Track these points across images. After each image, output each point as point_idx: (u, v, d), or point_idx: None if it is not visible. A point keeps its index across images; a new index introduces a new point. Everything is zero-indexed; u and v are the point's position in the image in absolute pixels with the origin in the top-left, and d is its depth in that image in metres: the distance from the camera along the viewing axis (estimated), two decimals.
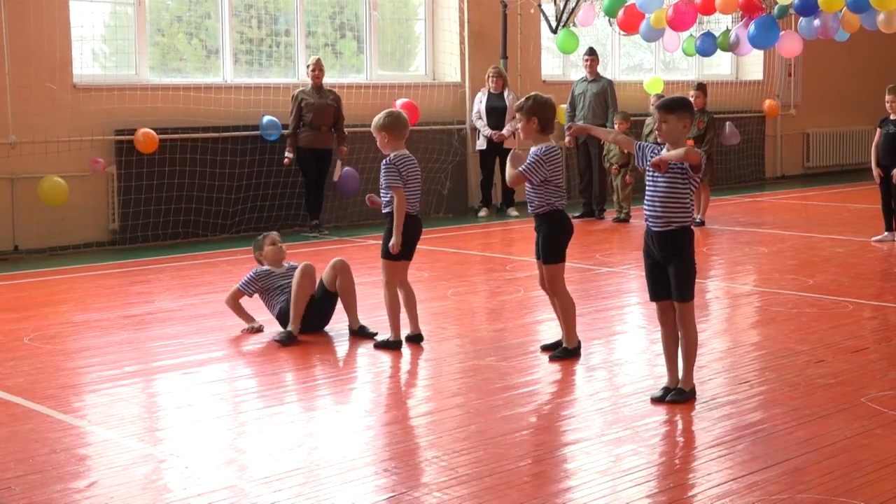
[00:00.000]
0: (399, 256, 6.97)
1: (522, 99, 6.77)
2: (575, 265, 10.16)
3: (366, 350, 7.02)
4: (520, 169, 6.60)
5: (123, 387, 6.16)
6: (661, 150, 5.76)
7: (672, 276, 5.68)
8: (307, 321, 7.30)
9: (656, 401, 5.69)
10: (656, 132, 5.81)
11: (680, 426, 5.31)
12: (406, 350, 6.94)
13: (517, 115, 6.77)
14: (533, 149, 6.68)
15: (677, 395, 5.69)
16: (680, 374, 5.77)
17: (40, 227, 11.21)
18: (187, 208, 12.07)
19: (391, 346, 6.97)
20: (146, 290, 9.28)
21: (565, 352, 6.70)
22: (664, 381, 5.90)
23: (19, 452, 4.98)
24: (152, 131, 11.63)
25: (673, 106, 5.73)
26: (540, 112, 6.69)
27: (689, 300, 5.70)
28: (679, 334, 5.76)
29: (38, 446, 5.07)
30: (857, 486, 4.44)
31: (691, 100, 12.75)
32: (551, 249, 6.81)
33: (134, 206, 11.72)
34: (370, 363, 6.79)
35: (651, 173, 5.70)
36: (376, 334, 7.22)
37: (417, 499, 4.40)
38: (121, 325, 7.78)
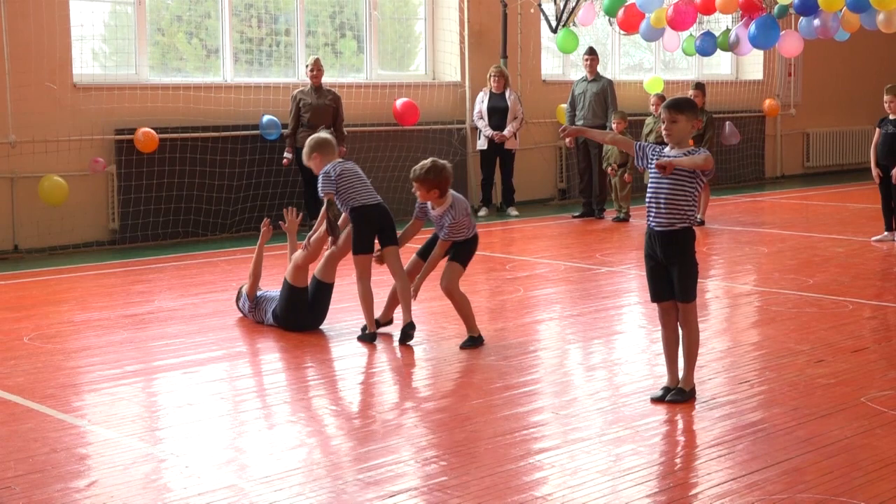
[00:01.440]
0: (361, 251, 7.16)
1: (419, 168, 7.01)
2: (575, 265, 10.18)
3: (365, 349, 7.02)
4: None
5: (124, 386, 6.16)
6: (664, 149, 5.75)
7: (675, 277, 5.67)
8: (301, 319, 7.29)
9: (656, 400, 5.70)
10: (664, 132, 5.76)
11: (680, 426, 5.31)
12: (405, 349, 6.94)
13: (415, 184, 6.98)
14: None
15: (677, 395, 5.69)
16: (681, 374, 5.77)
17: (40, 226, 11.21)
18: (187, 208, 12.08)
19: (366, 338, 7.15)
20: (146, 290, 9.29)
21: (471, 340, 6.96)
22: (664, 380, 5.90)
23: (19, 452, 4.98)
24: (152, 131, 11.63)
25: (683, 106, 5.72)
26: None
27: (692, 300, 5.70)
28: (680, 334, 5.76)
29: (38, 445, 5.08)
30: (856, 486, 4.45)
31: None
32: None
33: (134, 205, 11.72)
34: (369, 362, 6.80)
35: (655, 173, 5.68)
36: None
37: (417, 498, 4.40)
38: (121, 325, 7.79)
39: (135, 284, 9.60)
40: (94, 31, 11.95)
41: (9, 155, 11.02)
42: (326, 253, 7.46)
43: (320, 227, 7.39)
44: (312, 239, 7.42)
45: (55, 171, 11.14)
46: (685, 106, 5.73)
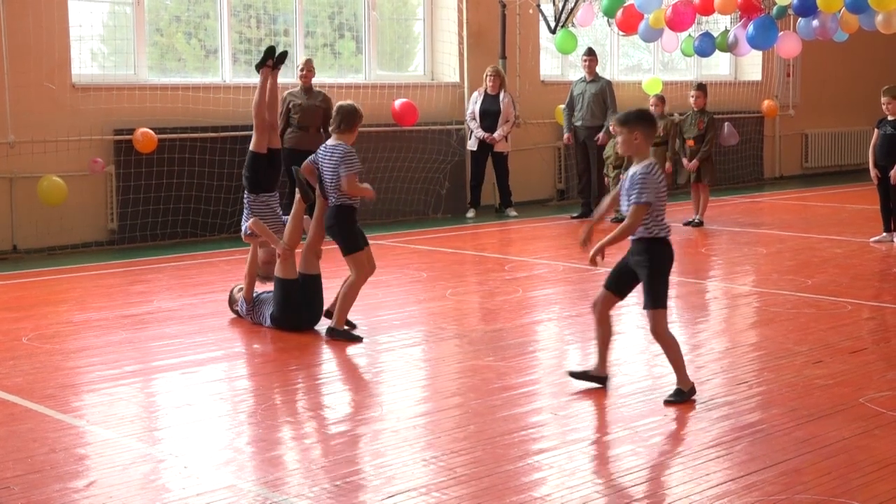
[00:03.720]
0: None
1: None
2: (573, 266, 10.18)
3: (364, 350, 7.03)
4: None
5: (122, 386, 6.17)
6: (626, 182, 5.71)
7: (642, 284, 5.76)
8: (297, 317, 7.28)
9: (574, 375, 6.01)
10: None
11: (678, 426, 5.31)
12: (405, 350, 6.94)
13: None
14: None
15: (676, 396, 5.70)
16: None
17: (39, 226, 11.21)
18: (186, 208, 12.07)
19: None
20: (145, 290, 9.29)
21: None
22: (663, 381, 5.92)
23: (18, 452, 4.99)
24: (151, 131, 11.63)
25: (624, 119, 5.72)
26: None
27: (656, 308, 5.70)
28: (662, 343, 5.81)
29: (36, 446, 5.08)
30: (855, 487, 4.45)
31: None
32: None
33: (133, 205, 11.72)
34: (369, 363, 6.80)
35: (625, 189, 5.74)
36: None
37: (416, 499, 4.41)
38: (120, 325, 7.79)
39: (134, 285, 9.60)
40: (92, 32, 11.94)
41: (8, 155, 11.02)
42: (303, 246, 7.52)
43: (296, 209, 7.39)
44: (288, 226, 7.44)
45: (54, 171, 11.13)
46: (625, 119, 5.71)
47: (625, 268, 5.86)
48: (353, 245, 7.16)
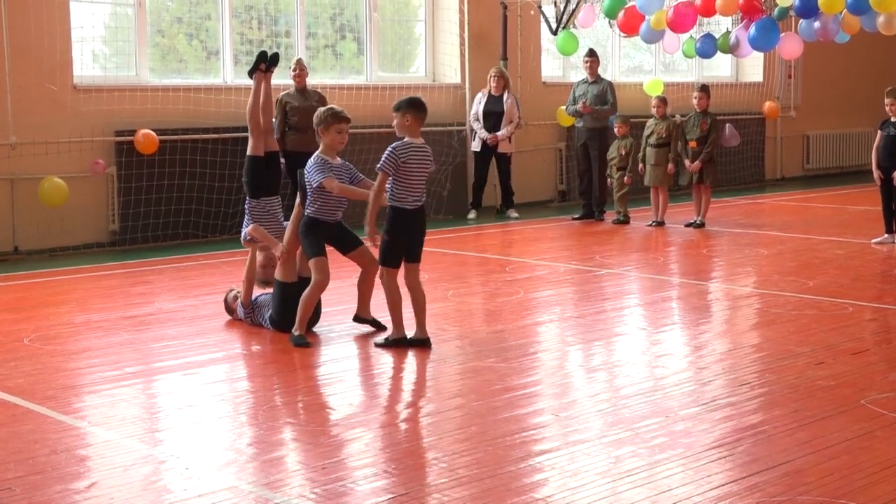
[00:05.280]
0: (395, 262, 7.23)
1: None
2: (575, 266, 10.18)
3: (365, 351, 7.02)
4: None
5: (124, 388, 6.16)
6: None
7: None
8: (294, 320, 7.27)
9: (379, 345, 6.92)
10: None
11: (680, 427, 5.31)
12: (404, 351, 6.94)
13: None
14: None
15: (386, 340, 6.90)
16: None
17: (40, 227, 11.21)
18: (187, 209, 12.07)
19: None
20: (147, 291, 9.29)
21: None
22: (664, 382, 5.94)
23: (20, 453, 4.98)
24: (152, 132, 11.63)
25: (396, 106, 6.99)
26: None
27: (384, 265, 6.94)
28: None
29: (38, 447, 5.07)
30: (857, 488, 4.45)
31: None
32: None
33: (134, 206, 11.72)
34: (370, 364, 6.80)
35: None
36: (385, 328, 7.33)
37: (418, 501, 4.40)
38: (121, 326, 7.79)
39: (135, 286, 9.60)
40: (94, 33, 11.94)
41: (9, 156, 11.01)
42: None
43: (296, 212, 7.38)
44: (288, 229, 7.44)
45: (55, 172, 11.13)
46: (400, 105, 6.97)
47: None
48: (311, 252, 7.15)
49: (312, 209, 7.15)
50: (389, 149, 6.87)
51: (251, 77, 7.99)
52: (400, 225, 6.96)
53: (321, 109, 7.34)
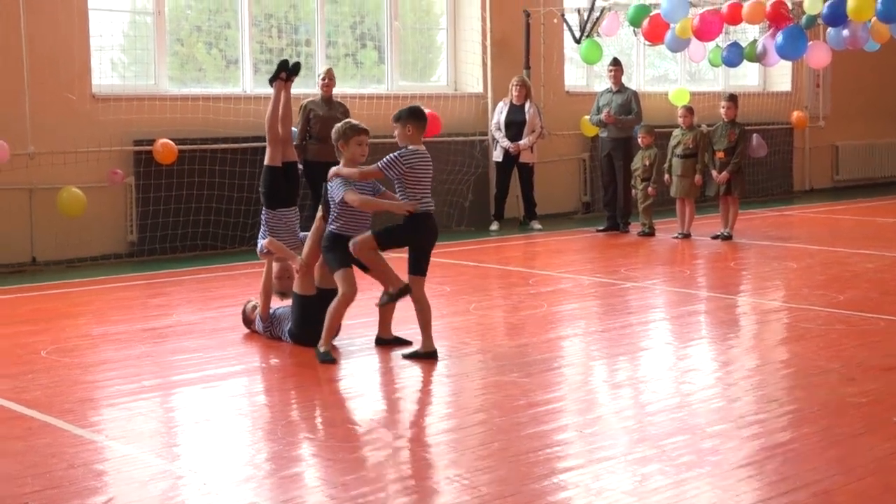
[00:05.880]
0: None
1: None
2: (599, 280, 10.15)
3: (387, 365, 7.02)
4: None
5: (142, 401, 6.17)
6: None
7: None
8: (316, 333, 7.24)
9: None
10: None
11: (707, 445, 5.27)
12: (426, 366, 6.93)
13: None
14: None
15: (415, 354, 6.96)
16: None
17: (58, 238, 11.25)
18: (206, 220, 12.10)
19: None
20: (165, 303, 9.31)
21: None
22: (691, 398, 5.91)
23: (36, 467, 4.99)
24: (171, 142, 11.67)
25: (396, 116, 7.09)
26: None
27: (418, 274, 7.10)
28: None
29: (55, 461, 5.09)
30: None
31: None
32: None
33: (152, 217, 11.76)
34: (391, 379, 6.79)
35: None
36: (410, 343, 7.30)
37: None
38: (139, 339, 7.81)
39: (153, 298, 9.63)
40: (113, 42, 12.00)
41: (27, 166, 11.07)
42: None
43: (317, 225, 7.37)
44: (307, 242, 7.43)
45: (73, 182, 11.17)
46: (400, 115, 7.04)
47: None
48: (336, 264, 7.12)
49: (336, 225, 7.14)
50: (395, 154, 6.94)
51: (271, 85, 8.01)
52: (410, 225, 7.00)
53: (339, 125, 7.33)
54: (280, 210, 7.76)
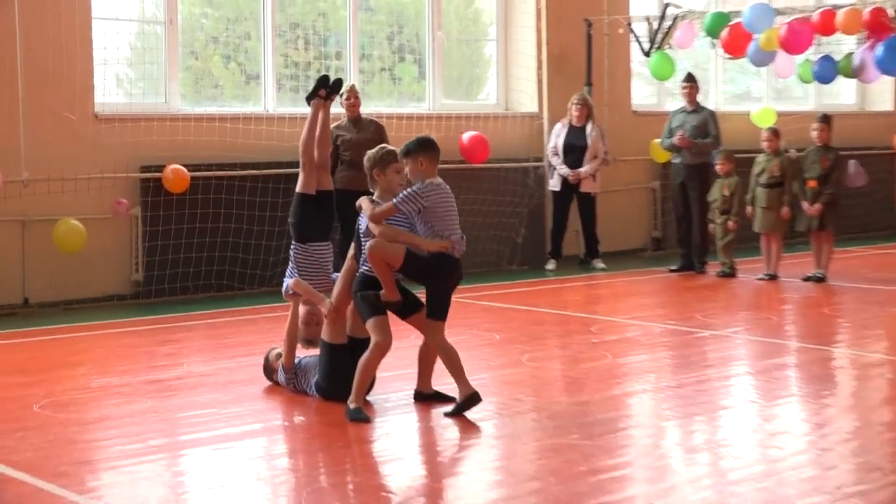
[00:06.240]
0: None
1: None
2: (672, 327, 10.09)
3: (426, 424, 6.99)
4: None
5: (147, 464, 6.18)
6: None
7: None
8: (346, 387, 7.22)
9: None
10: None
11: None
12: (472, 425, 6.89)
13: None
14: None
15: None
16: None
17: (54, 276, 11.34)
18: (222, 257, 12.16)
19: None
20: (174, 352, 9.35)
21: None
22: (779, 465, 5.83)
23: None
24: (183, 168, 11.75)
25: (405, 151, 7.11)
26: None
27: (436, 318, 7.08)
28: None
29: None
30: None
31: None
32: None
33: (161, 253, 11.83)
34: (432, 440, 6.77)
35: None
36: (454, 399, 7.25)
37: None
38: (145, 392, 7.83)
39: (161, 345, 9.67)
40: (118, 55, 12.12)
41: (21, 195, 11.17)
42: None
43: (348, 265, 7.38)
44: (337, 284, 7.43)
45: (72, 213, 11.25)
46: (409, 149, 7.07)
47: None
48: (368, 312, 7.11)
49: (368, 266, 7.14)
50: (412, 189, 6.98)
51: (309, 103, 8.05)
52: (441, 262, 7.00)
53: (372, 151, 7.35)
54: (311, 245, 7.77)
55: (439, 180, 7.10)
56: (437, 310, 7.10)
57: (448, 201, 7.09)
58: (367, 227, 7.12)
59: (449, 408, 7.12)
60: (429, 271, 7.05)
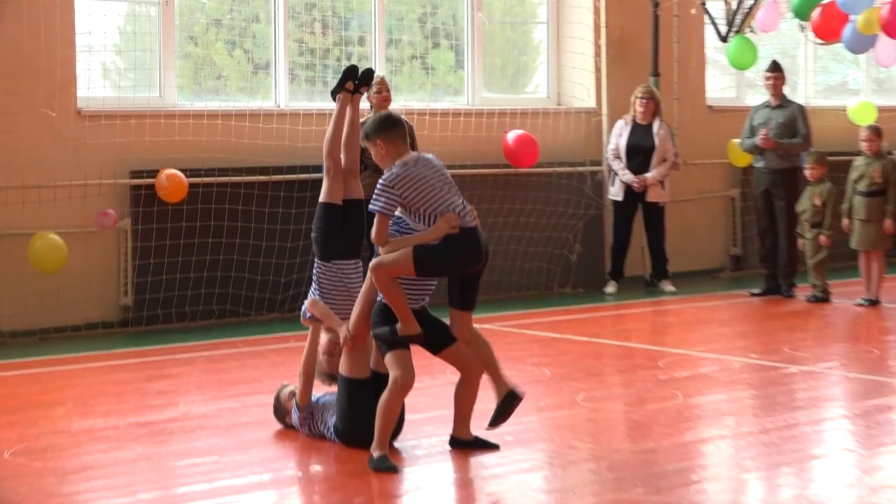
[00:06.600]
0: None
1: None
2: (755, 361, 10.06)
3: (464, 475, 6.99)
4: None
5: None
6: None
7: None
8: (369, 429, 7.21)
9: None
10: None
11: None
12: (521, 477, 6.89)
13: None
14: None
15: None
16: None
17: (29, 300, 11.38)
18: (226, 278, 12.19)
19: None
20: (169, 389, 9.37)
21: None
22: None
23: None
24: (180, 173, 11.78)
25: (364, 135, 7.21)
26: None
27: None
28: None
29: None
30: None
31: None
32: None
33: (154, 273, 11.87)
34: (470, 494, 6.78)
35: None
36: (497, 447, 7.28)
37: None
38: (134, 436, 7.86)
39: (153, 381, 9.70)
40: (105, 41, 12.19)
41: None
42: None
43: (368, 285, 7.38)
44: (356, 306, 7.42)
45: (51, 226, 11.30)
46: (367, 133, 7.15)
47: None
48: (387, 345, 7.10)
49: None
50: (380, 182, 7.02)
51: (334, 99, 8.07)
52: (456, 240, 7.01)
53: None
54: (337, 262, 7.75)
55: (411, 155, 7.11)
56: (463, 299, 7.13)
57: (428, 175, 7.06)
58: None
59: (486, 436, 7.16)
60: (448, 258, 7.02)
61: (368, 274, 7.40)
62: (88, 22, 11.90)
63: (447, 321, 7.27)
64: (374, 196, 6.97)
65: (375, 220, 7.00)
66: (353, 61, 13.32)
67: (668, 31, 14.81)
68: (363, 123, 10.91)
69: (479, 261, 7.11)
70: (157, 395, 9.14)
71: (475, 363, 7.17)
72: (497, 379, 7.13)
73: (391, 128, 7.15)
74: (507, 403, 7.09)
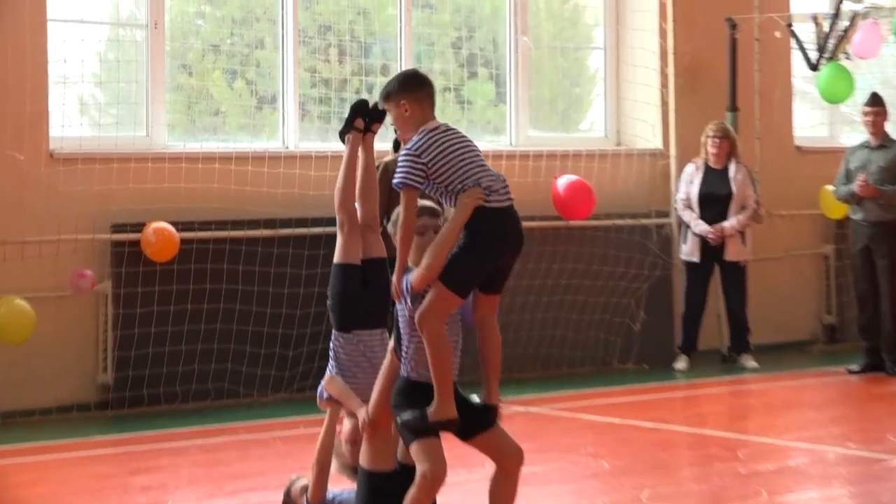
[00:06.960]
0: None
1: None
2: (854, 453, 9.99)
3: None
4: None
5: None
6: None
7: None
8: None
9: None
10: None
11: None
12: None
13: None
14: None
15: None
16: None
17: None
18: (222, 351, 12.17)
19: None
20: (155, 484, 9.34)
21: None
22: None
23: None
24: (170, 227, 11.79)
25: (384, 95, 7.11)
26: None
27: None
28: None
29: None
30: None
31: None
32: None
33: (139, 346, 11.86)
34: None
35: None
36: None
37: None
38: None
39: (136, 474, 9.68)
40: (83, 70, 12.22)
41: None
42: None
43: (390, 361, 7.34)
44: (376, 387, 7.37)
45: (16, 290, 11.31)
46: (388, 93, 7.08)
47: None
48: (411, 433, 7.03)
49: (410, 366, 7.08)
50: (403, 155, 6.90)
51: (343, 140, 8.01)
52: (487, 228, 6.84)
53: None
54: (357, 333, 7.70)
55: (437, 123, 7.05)
56: (490, 282, 6.97)
57: (456, 145, 6.99)
58: (408, 312, 7.02)
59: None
60: (481, 252, 6.86)
61: (388, 349, 7.35)
62: (63, 48, 11.95)
63: (476, 398, 7.21)
64: (397, 169, 6.85)
65: (402, 197, 6.87)
66: (375, 94, 13.29)
67: (749, 58, 14.80)
68: (380, 164, 11.00)
69: (510, 242, 6.95)
70: (141, 492, 9.11)
71: (513, 451, 7.07)
72: (490, 389, 7.00)
73: (419, 86, 7.10)
74: (484, 416, 6.97)
